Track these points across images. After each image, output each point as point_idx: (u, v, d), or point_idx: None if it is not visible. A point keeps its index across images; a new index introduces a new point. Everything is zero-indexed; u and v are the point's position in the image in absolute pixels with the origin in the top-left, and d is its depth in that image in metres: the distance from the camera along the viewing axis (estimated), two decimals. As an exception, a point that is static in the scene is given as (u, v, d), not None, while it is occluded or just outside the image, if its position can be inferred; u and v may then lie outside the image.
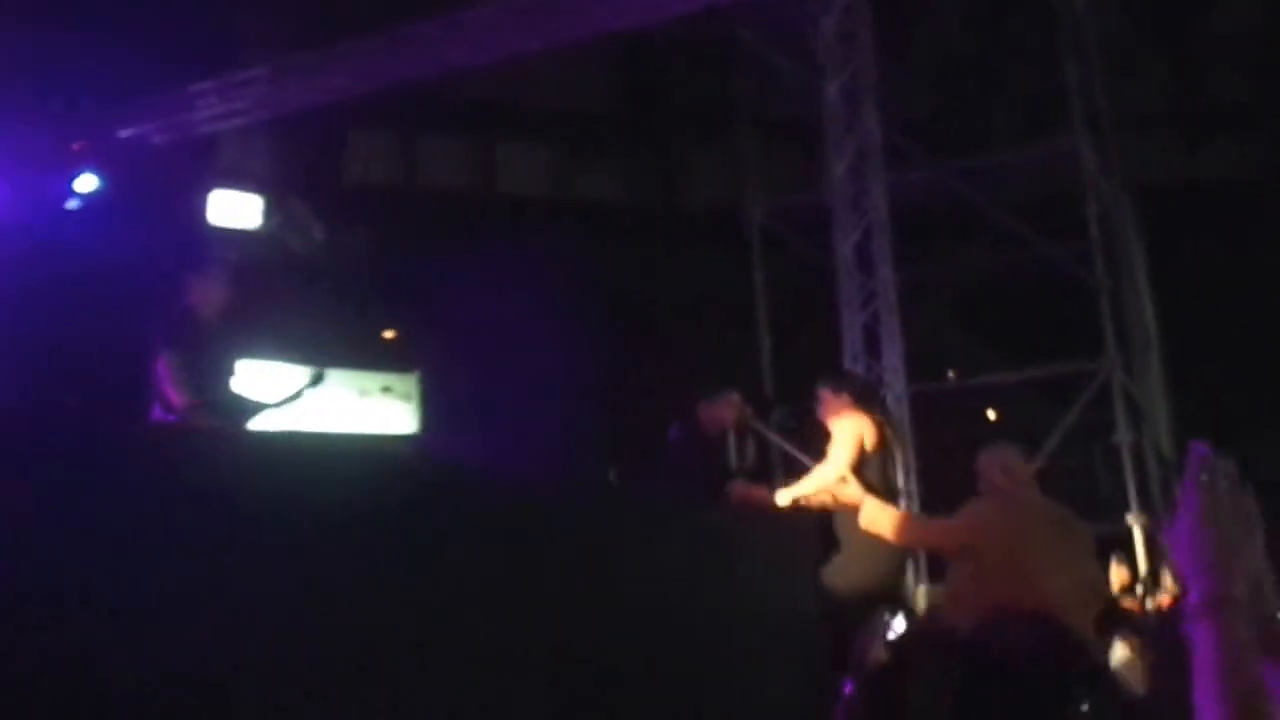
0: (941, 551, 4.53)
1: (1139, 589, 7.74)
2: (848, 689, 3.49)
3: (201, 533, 2.37)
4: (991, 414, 11.67)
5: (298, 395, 5.37)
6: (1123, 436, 7.84)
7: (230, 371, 5.21)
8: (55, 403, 5.40)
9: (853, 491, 4.51)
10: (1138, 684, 3.37)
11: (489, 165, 15.79)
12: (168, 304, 5.23)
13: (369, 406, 12.98)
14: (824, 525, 4.69)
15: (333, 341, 12.36)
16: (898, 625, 4.44)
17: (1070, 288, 8.52)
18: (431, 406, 13.16)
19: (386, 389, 13.37)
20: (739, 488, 5.09)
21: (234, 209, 12.81)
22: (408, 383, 13.50)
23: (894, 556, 4.70)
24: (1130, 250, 9.83)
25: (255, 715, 2.38)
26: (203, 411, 4.86)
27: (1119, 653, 3.47)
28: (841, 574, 4.49)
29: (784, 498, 4.84)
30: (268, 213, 13.24)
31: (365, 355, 13.07)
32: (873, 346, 7.70)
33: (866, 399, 5.00)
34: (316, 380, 5.45)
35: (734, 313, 9.81)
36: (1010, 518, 3.98)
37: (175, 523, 2.35)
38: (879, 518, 4.30)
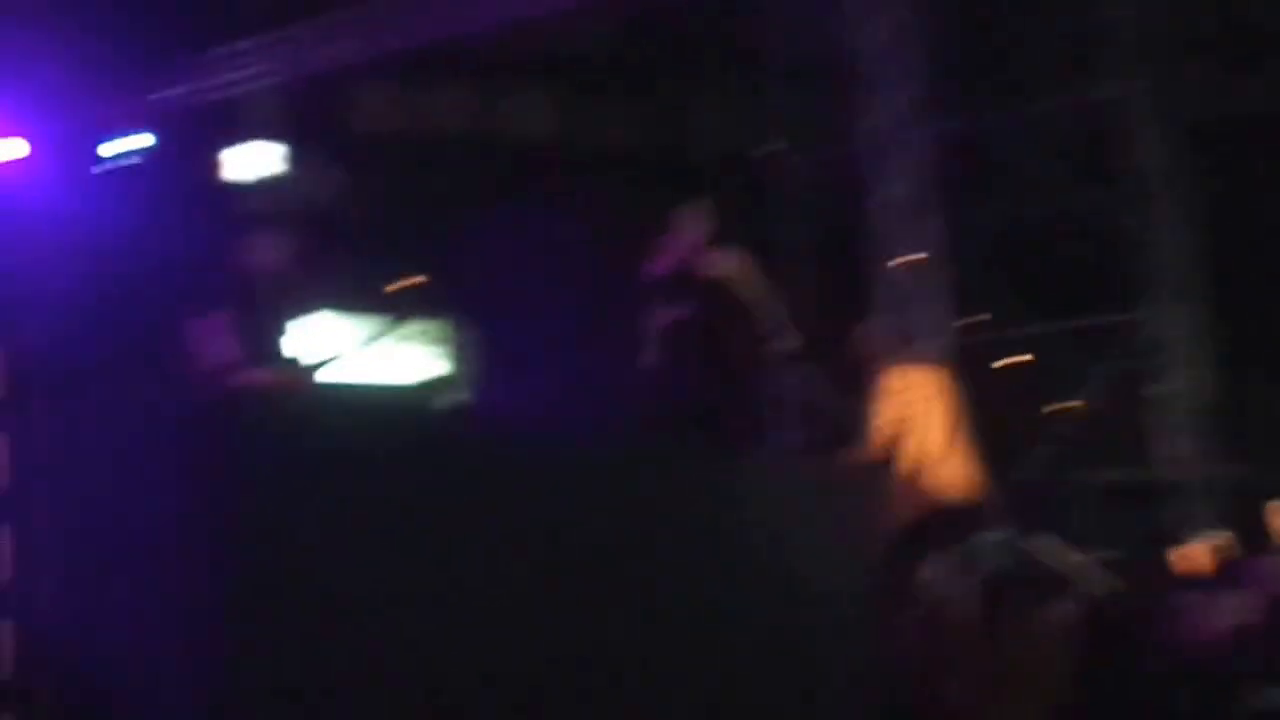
0: None
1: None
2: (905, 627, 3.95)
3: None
4: (1017, 359, 12.09)
5: (355, 349, 5.79)
6: (1159, 386, 8.21)
7: (285, 328, 5.65)
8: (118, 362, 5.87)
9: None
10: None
11: (496, 113, 16.10)
12: (218, 265, 5.64)
13: (403, 352, 13.44)
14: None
15: (363, 289, 12.86)
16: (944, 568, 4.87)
17: (1111, 234, 8.81)
18: (462, 352, 13.64)
19: (415, 334, 13.87)
20: None
21: (255, 159, 13.21)
22: (436, 327, 14.01)
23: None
24: (1175, 192, 10.13)
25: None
26: (250, 367, 5.27)
27: None
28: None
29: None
30: (287, 162, 13.66)
31: (395, 302, 13.53)
32: (909, 299, 8.10)
33: (896, 351, 5.26)
34: (379, 335, 5.90)
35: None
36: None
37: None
38: None
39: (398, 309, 13.52)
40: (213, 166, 10.73)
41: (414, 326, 13.43)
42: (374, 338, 6.02)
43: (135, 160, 8.27)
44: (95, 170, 8.16)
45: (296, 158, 13.99)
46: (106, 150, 8.15)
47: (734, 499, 4.06)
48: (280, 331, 5.55)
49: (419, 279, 13.98)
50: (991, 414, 11.16)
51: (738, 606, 3.82)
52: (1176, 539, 8.21)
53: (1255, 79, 15.64)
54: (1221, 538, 4.60)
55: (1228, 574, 4.53)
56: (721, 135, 15.15)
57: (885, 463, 4.93)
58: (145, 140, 8.26)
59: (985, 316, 10.27)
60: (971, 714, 3.72)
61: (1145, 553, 8.03)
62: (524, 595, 3.18)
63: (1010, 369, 11.60)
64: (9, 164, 7.55)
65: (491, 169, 14.84)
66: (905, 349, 5.25)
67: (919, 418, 4.93)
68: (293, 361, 5.59)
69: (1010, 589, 4.53)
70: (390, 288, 13.71)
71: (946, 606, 4.24)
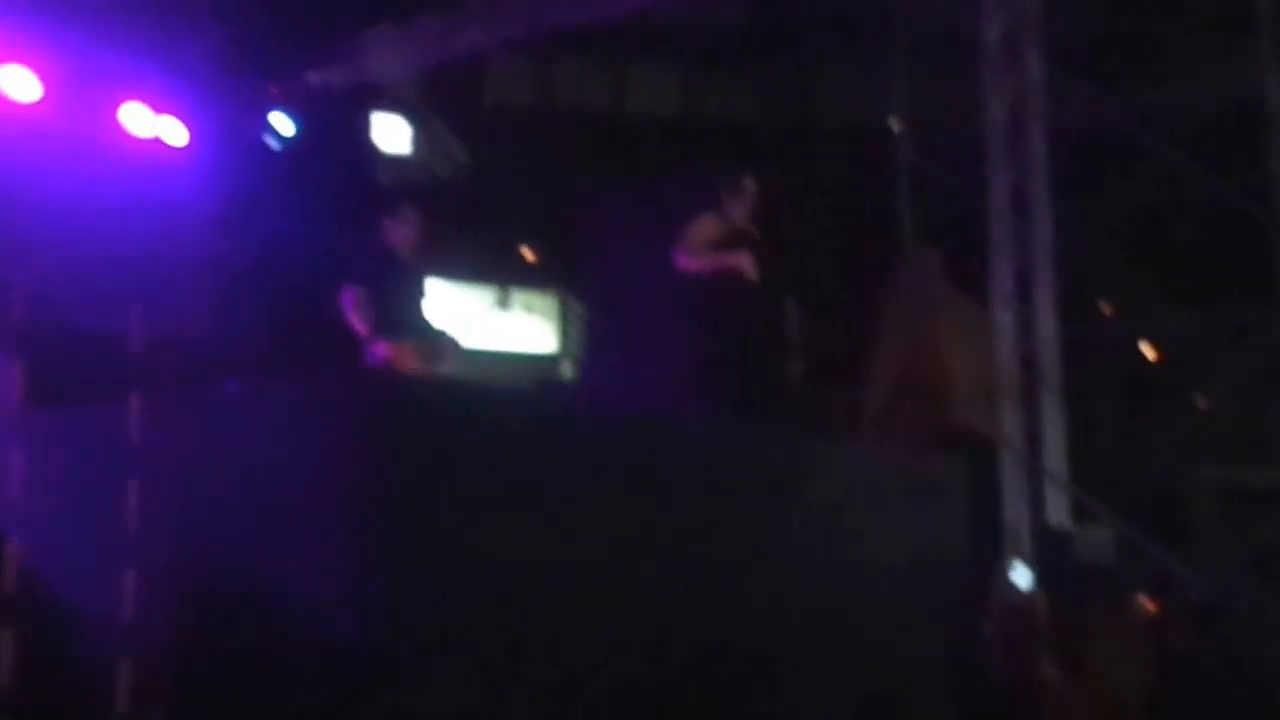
0: None
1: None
2: (986, 630, 4.22)
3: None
4: (1150, 353, 11.94)
5: (481, 317, 6.30)
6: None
7: (423, 300, 6.18)
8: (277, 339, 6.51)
9: None
10: None
11: (621, 85, 16.47)
12: (360, 243, 6.19)
13: (512, 324, 14.11)
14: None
15: (479, 261, 13.50)
16: (1024, 574, 5.11)
17: (1249, 227, 8.70)
18: (571, 327, 14.24)
19: (528, 307, 14.50)
20: None
21: (384, 133, 13.97)
22: (548, 302, 14.62)
23: None
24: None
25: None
26: (385, 340, 5.81)
27: None
28: None
29: None
30: (414, 136, 14.37)
31: (508, 273, 14.17)
32: (1023, 292, 8.21)
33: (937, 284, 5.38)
34: (502, 303, 6.41)
35: (873, 244, 10.22)
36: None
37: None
38: None
39: (517, 282, 14.14)
40: (352, 146, 11.43)
41: (532, 300, 14.05)
42: (494, 309, 6.53)
43: (281, 141, 8.95)
44: (243, 151, 8.86)
45: (427, 133, 14.71)
46: (254, 131, 8.84)
47: (833, 485, 4.37)
48: (416, 305, 6.03)
49: (538, 253, 14.57)
50: (1117, 408, 11.17)
51: (836, 588, 4.14)
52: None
53: None
54: None
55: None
56: (848, 111, 15.24)
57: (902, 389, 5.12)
58: (289, 123, 8.93)
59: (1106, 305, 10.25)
60: (1058, 700, 4.02)
61: (1262, 558, 8.01)
62: (637, 568, 3.55)
63: (1139, 361, 11.48)
64: (163, 145, 8.13)
65: (618, 145, 15.29)
66: (944, 284, 5.44)
67: (941, 347, 5.13)
68: (428, 333, 6.03)
69: (1098, 584, 4.82)
70: (511, 261, 14.34)
71: (1034, 598, 4.54)
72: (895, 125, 9.41)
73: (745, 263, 5.56)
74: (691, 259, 5.65)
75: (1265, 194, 8.16)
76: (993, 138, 8.11)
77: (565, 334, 14.35)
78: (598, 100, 16.09)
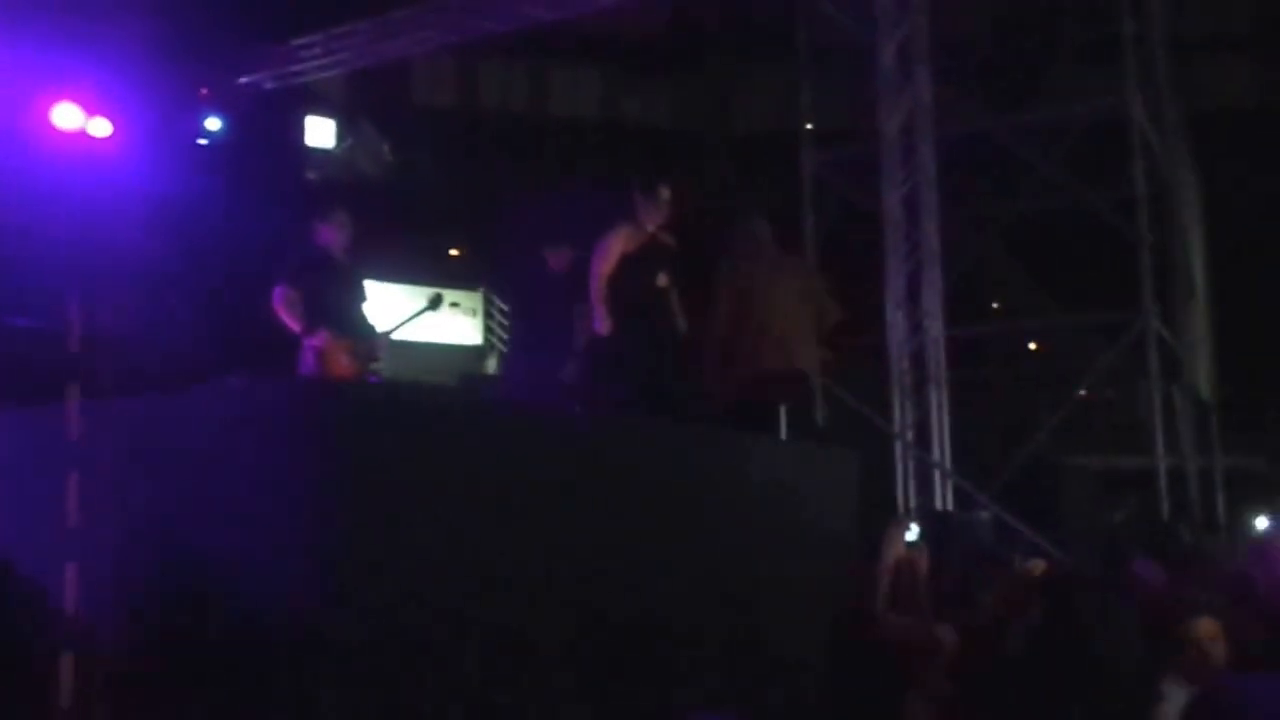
0: None
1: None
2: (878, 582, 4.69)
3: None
4: (1033, 345, 12.75)
5: (416, 316, 6.34)
6: (1154, 386, 8.79)
7: (361, 300, 6.15)
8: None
9: None
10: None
11: (543, 88, 16.83)
12: (293, 244, 6.18)
13: (439, 319, 14.36)
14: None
15: (405, 259, 13.71)
16: (911, 531, 5.63)
17: (1117, 235, 9.33)
18: (495, 323, 14.60)
19: (454, 304, 14.79)
20: None
21: (312, 131, 14.12)
22: (473, 298, 14.93)
23: None
24: (1184, 196, 10.64)
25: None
26: (319, 336, 5.83)
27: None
28: None
29: None
30: (340, 135, 14.54)
31: (433, 272, 14.42)
32: (914, 294, 8.81)
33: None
34: (435, 304, 6.42)
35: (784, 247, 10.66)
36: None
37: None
38: None
39: (444, 281, 14.37)
40: (282, 146, 11.53)
41: (459, 295, 14.35)
42: (423, 309, 6.46)
43: (212, 141, 9.07)
44: (175, 150, 8.93)
45: (355, 133, 14.88)
46: (186, 131, 8.94)
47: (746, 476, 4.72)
48: (349, 303, 6.01)
49: (464, 251, 14.86)
50: (1000, 398, 11.89)
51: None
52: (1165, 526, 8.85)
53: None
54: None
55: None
56: (761, 118, 15.79)
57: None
58: (220, 122, 9.03)
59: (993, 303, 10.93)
60: (944, 652, 4.48)
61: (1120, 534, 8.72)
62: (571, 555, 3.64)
63: (1021, 356, 12.25)
64: (94, 142, 8.06)
65: (540, 147, 15.60)
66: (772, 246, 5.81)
67: (760, 297, 5.59)
68: (362, 330, 5.87)
69: (979, 563, 5.36)
70: (438, 260, 14.60)
71: (919, 551, 5.03)
72: (801, 151, 9.82)
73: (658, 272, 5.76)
74: (606, 267, 5.79)
75: (1132, 207, 8.79)
76: (885, 151, 8.65)
77: (489, 329, 14.73)
78: (519, 102, 16.43)
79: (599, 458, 4.00)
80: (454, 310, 14.55)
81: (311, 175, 14.24)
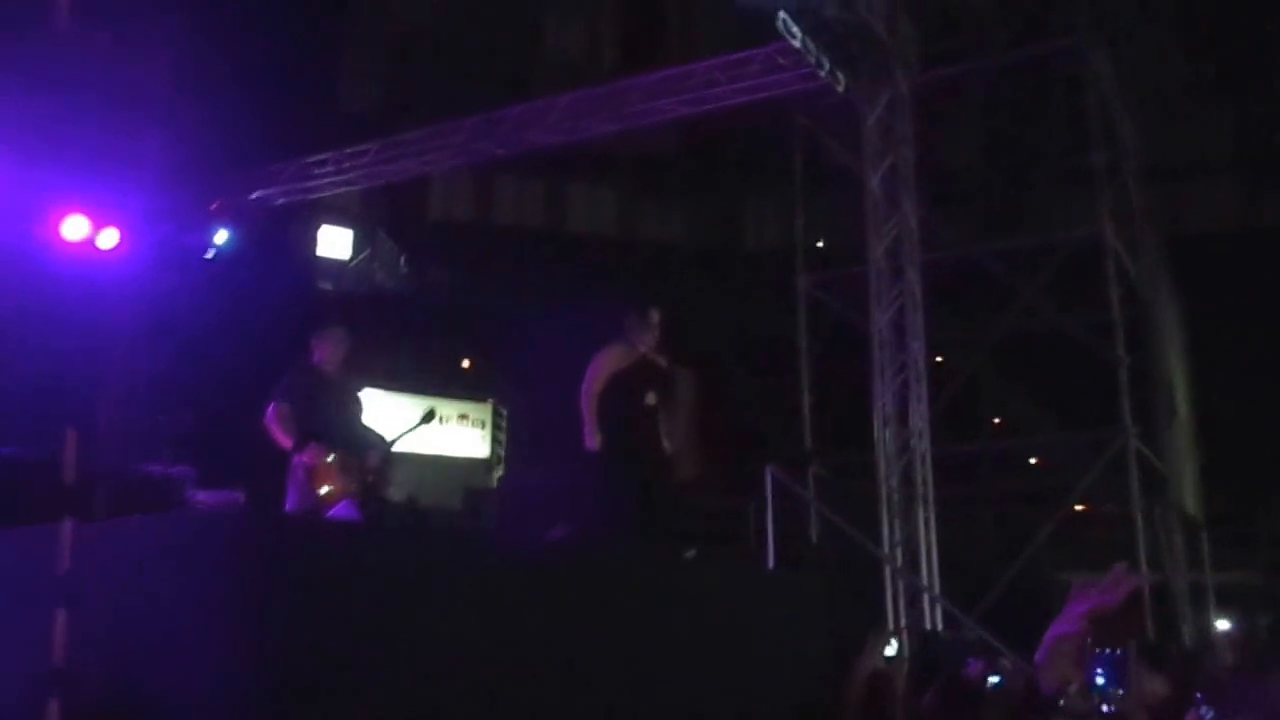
0: None
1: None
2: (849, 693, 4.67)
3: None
4: (1033, 460, 12.72)
5: (412, 430, 6.38)
6: (1135, 503, 8.80)
7: (357, 413, 6.20)
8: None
9: None
10: None
11: (560, 205, 17.28)
12: (289, 360, 6.26)
13: (446, 432, 14.52)
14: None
15: (415, 370, 13.91)
16: (890, 646, 5.61)
17: (1102, 354, 9.44)
18: (505, 434, 14.68)
19: (463, 416, 14.95)
20: None
21: (328, 242, 14.50)
22: (483, 410, 15.08)
23: None
24: (1165, 319, 10.78)
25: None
26: (310, 452, 5.88)
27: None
28: None
29: None
30: (357, 246, 14.93)
31: (444, 384, 14.60)
32: (901, 412, 8.89)
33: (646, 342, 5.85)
34: (428, 418, 6.47)
35: (784, 362, 10.82)
36: None
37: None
38: None
39: (454, 390, 14.54)
40: (291, 260, 11.78)
41: (467, 407, 14.48)
42: (416, 424, 6.48)
43: (219, 254, 9.21)
44: (182, 263, 9.03)
45: (374, 246, 15.27)
46: (195, 244, 9.09)
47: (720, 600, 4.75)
48: (342, 418, 6.09)
49: (475, 364, 15.07)
50: (996, 514, 11.84)
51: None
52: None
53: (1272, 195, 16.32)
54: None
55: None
56: (765, 237, 16.14)
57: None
58: (227, 234, 9.21)
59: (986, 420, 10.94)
60: None
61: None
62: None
63: (1017, 472, 12.21)
64: (100, 253, 7.85)
65: (555, 262, 15.92)
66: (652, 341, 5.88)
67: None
68: (355, 445, 5.86)
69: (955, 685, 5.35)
70: (450, 371, 14.80)
71: (895, 665, 5.02)
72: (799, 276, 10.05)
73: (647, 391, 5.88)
74: (597, 385, 5.92)
75: (1109, 329, 8.93)
76: (873, 274, 8.84)
77: (497, 441, 14.83)
78: (536, 219, 16.85)
79: (550, 585, 4.02)
80: (462, 423, 14.71)
81: (326, 286, 14.57)
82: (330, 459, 5.70)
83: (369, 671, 3.34)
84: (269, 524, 4.11)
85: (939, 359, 11.30)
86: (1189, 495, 10.62)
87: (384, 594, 3.39)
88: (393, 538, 3.90)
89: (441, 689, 3.46)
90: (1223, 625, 9.58)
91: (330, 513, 5.78)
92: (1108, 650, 5.35)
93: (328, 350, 5.99)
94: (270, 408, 5.72)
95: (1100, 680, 5.95)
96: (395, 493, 12.99)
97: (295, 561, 3.28)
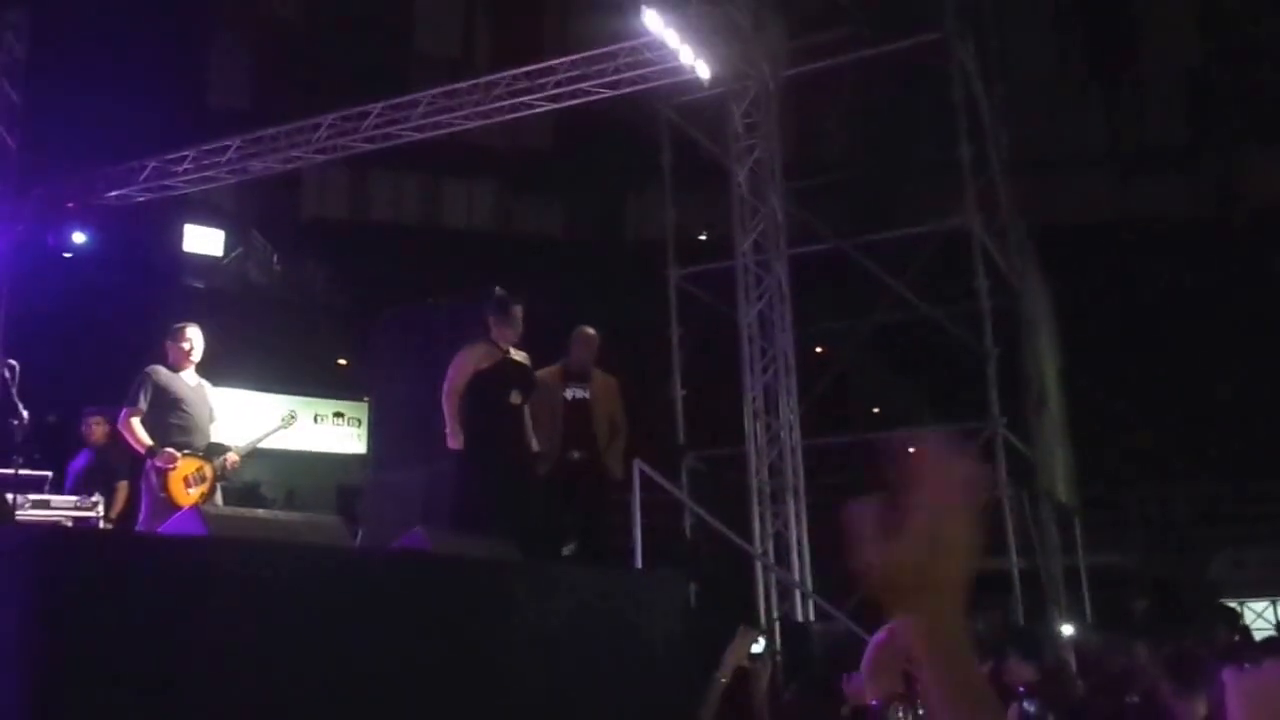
0: None
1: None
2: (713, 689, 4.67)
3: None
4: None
5: (270, 434, 6.19)
6: (1003, 491, 9.02)
7: (210, 419, 6.04)
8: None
9: None
10: None
11: (437, 201, 17.06)
12: (144, 363, 6.08)
13: (322, 430, 14.28)
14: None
15: (290, 368, 13.59)
16: (758, 643, 5.62)
17: (971, 346, 9.65)
18: (379, 431, 14.41)
19: (339, 414, 14.67)
20: None
21: (196, 239, 14.04)
22: (359, 409, 14.79)
23: None
24: (1034, 309, 11.08)
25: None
26: (164, 456, 5.73)
27: None
28: None
29: None
30: (229, 245, 14.48)
31: (319, 382, 14.31)
32: (771, 405, 8.96)
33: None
34: (289, 421, 6.36)
35: (657, 357, 10.82)
36: None
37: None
38: None
39: (331, 390, 14.25)
40: (159, 258, 11.41)
41: (342, 404, 14.23)
42: (275, 427, 6.39)
43: (78, 254, 8.98)
44: (42, 263, 8.81)
45: (246, 244, 14.83)
46: (53, 245, 8.83)
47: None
48: (194, 422, 5.90)
49: (351, 362, 14.75)
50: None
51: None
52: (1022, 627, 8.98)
53: (1143, 185, 16.95)
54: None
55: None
56: (639, 231, 16.17)
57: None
58: (89, 234, 8.94)
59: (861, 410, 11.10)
60: None
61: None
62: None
63: (874, 465, 12.42)
64: None
65: (431, 258, 15.69)
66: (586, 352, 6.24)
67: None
68: (211, 448, 5.87)
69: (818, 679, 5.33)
70: (326, 370, 14.48)
71: (762, 661, 5.02)
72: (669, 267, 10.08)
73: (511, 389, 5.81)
74: (458, 383, 5.81)
75: (978, 321, 9.12)
76: (741, 269, 8.88)
77: (371, 439, 14.56)
78: (411, 214, 16.59)
79: (397, 589, 3.92)
80: (338, 420, 14.46)
81: (197, 284, 14.11)
82: (180, 464, 5.71)
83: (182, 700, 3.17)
84: (77, 541, 3.91)
85: (819, 350, 11.46)
86: (1060, 482, 10.94)
87: (214, 611, 3.22)
88: (224, 551, 3.74)
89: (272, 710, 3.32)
90: (1066, 629, 9.88)
91: (176, 518, 5.62)
92: None
93: (180, 351, 5.93)
94: (123, 412, 5.67)
95: None
96: (271, 490, 12.72)
97: (104, 579, 3.07)
